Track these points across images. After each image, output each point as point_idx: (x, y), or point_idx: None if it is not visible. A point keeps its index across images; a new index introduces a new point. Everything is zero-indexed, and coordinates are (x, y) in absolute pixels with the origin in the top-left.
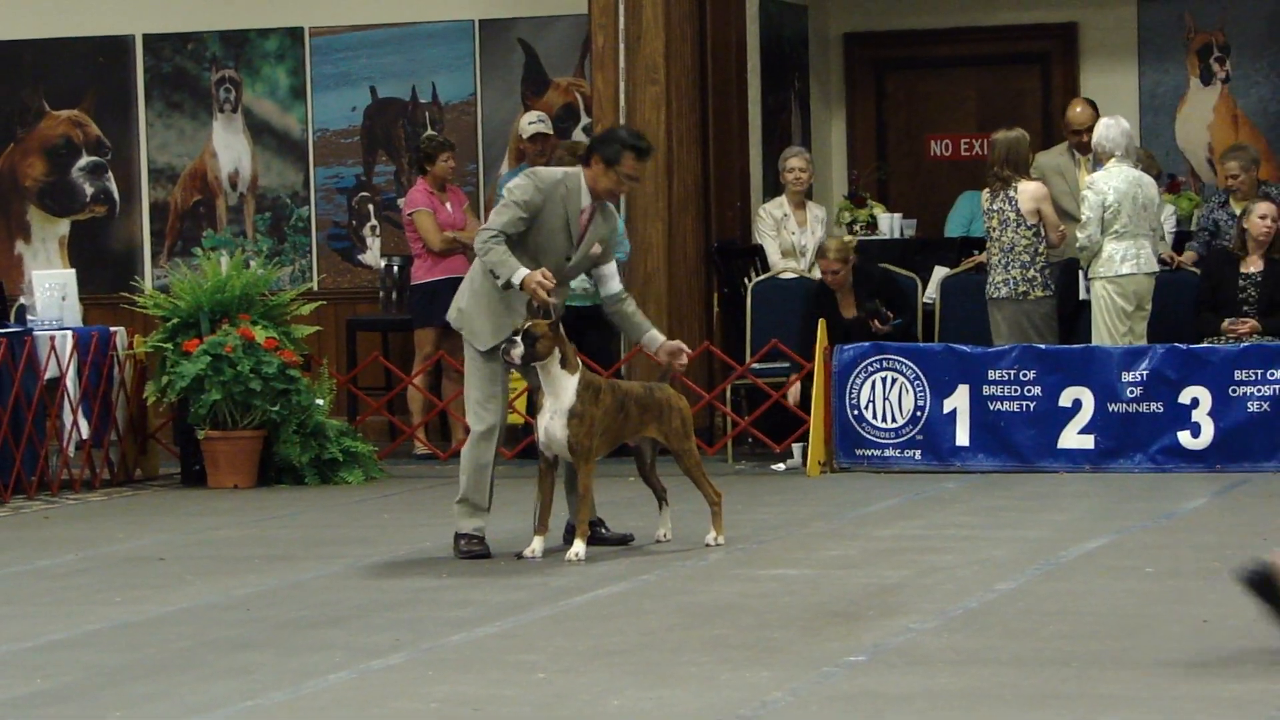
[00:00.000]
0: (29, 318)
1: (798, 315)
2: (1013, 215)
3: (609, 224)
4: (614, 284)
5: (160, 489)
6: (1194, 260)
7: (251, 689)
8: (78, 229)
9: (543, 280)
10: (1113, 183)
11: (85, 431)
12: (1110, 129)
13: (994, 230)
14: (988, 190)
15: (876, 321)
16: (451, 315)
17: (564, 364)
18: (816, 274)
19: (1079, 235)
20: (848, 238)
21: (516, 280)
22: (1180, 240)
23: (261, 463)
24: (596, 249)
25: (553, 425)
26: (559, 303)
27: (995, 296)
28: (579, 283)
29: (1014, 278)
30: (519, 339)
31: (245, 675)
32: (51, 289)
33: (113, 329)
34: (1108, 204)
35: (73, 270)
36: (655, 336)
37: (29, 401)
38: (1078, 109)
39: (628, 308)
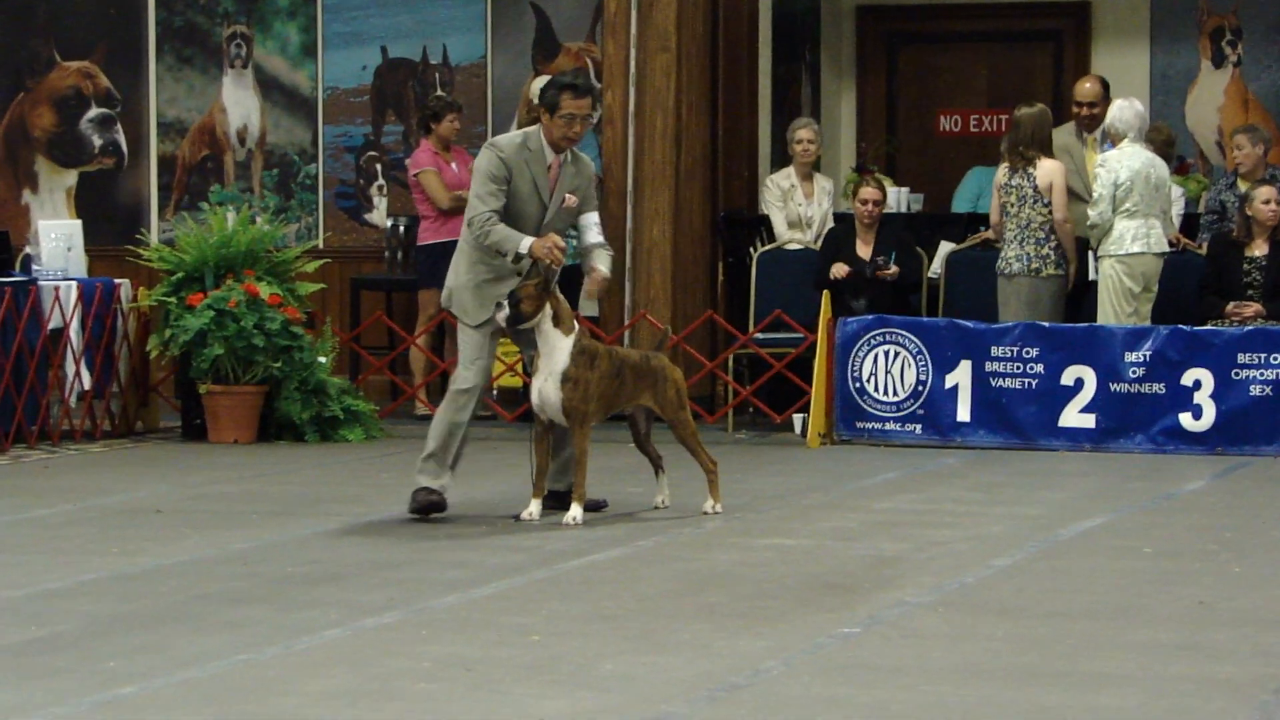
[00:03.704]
0: (34, 267)
1: (803, 285)
2: (1030, 191)
3: (582, 174)
4: (592, 235)
5: (160, 442)
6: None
7: (245, 643)
8: (85, 180)
9: (553, 244)
10: (1126, 161)
11: (87, 383)
12: (1124, 110)
13: (1010, 206)
14: (1005, 165)
15: (880, 267)
16: (443, 298)
17: (557, 323)
18: (819, 245)
19: (1090, 213)
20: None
21: (525, 249)
22: (1188, 222)
23: (262, 419)
24: (571, 200)
25: (546, 388)
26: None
27: (1007, 272)
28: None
29: (1028, 253)
30: (505, 302)
31: (239, 629)
32: (57, 239)
33: (117, 281)
34: (1120, 182)
35: (79, 221)
36: (600, 257)
37: (32, 351)
38: (1086, 85)
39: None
